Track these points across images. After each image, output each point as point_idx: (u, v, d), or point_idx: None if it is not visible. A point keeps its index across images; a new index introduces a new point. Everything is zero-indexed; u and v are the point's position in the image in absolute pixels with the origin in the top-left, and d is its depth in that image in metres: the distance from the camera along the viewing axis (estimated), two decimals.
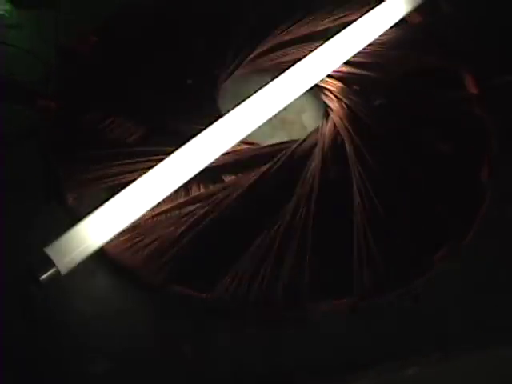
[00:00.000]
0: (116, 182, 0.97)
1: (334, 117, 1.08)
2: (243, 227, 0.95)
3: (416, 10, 1.19)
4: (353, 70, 1.13)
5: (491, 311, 0.92)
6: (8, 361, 0.83)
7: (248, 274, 0.89)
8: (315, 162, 1.01)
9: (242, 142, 1.02)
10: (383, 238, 0.94)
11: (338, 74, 1.13)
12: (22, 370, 0.85)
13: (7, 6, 1.23)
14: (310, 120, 1.13)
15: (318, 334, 0.89)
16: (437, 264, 0.92)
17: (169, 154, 0.94)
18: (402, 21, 1.17)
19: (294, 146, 1.03)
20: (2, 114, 1.04)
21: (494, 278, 0.95)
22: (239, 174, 1.01)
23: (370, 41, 1.13)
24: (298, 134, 1.10)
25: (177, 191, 0.95)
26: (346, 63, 1.12)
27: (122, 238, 0.92)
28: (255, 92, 1.01)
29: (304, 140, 1.05)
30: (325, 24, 1.18)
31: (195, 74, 1.11)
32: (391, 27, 1.16)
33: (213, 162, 0.97)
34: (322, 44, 1.09)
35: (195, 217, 0.95)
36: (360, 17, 1.13)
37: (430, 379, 0.89)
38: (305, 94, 1.07)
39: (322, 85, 1.12)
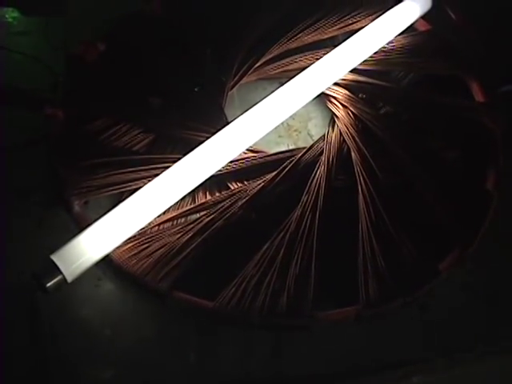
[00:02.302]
0: (123, 190, 0.98)
1: (339, 125, 1.08)
2: (249, 235, 0.96)
3: (423, 18, 1.19)
4: (359, 77, 1.13)
5: (495, 320, 0.92)
6: (13, 366, 0.84)
7: (253, 282, 0.90)
8: (321, 170, 1.01)
9: (249, 149, 1.03)
10: (388, 246, 0.93)
11: (344, 81, 1.13)
12: (28, 375, 0.85)
13: (15, 14, 1.24)
14: (316, 128, 1.13)
15: (323, 341, 0.89)
16: (442, 273, 0.92)
17: (175, 161, 0.94)
18: (409, 28, 1.18)
19: (300, 154, 1.04)
20: (10, 121, 1.05)
21: (498, 288, 0.95)
22: (245, 182, 1.02)
23: (376, 49, 1.13)
24: (304, 142, 1.10)
25: (183, 199, 0.96)
26: (352, 71, 1.12)
27: (127, 246, 0.93)
28: (262, 100, 1.01)
29: (310, 148, 1.05)
30: (332, 32, 1.18)
31: (202, 82, 1.11)
32: (398, 35, 1.16)
33: (219, 170, 0.98)
34: (328, 52, 1.09)
35: (201, 224, 0.95)
36: (367, 25, 1.14)
37: None
38: (311, 101, 1.07)
39: (328, 92, 1.12)
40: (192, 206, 0.99)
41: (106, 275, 0.92)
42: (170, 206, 0.94)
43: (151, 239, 0.94)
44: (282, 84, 1.04)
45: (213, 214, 0.96)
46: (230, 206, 0.97)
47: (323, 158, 1.03)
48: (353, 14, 1.19)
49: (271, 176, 1.01)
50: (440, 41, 1.18)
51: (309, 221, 0.95)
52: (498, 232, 0.96)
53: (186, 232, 0.95)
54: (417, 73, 1.17)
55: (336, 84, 1.12)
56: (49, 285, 0.81)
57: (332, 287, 0.91)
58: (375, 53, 1.14)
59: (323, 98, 1.13)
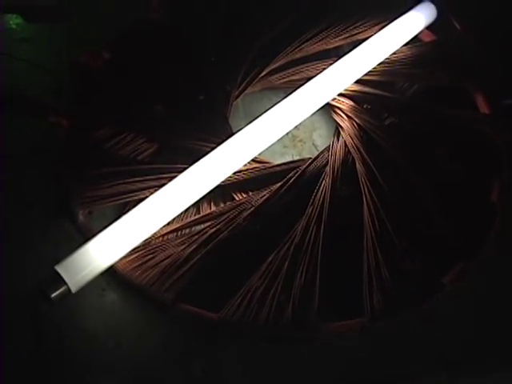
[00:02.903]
0: (127, 200, 0.97)
1: (344, 135, 1.08)
2: (254, 246, 0.95)
3: (428, 29, 1.19)
4: (364, 88, 1.13)
5: (502, 334, 0.92)
6: (17, 375, 0.84)
7: (258, 294, 0.89)
8: (326, 181, 1.01)
9: (254, 160, 1.02)
10: (393, 257, 0.93)
11: (349, 92, 1.13)
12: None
13: (18, 20, 1.24)
14: (320, 138, 1.14)
15: (327, 353, 0.88)
16: (447, 286, 0.92)
17: (180, 171, 0.94)
18: (414, 39, 1.18)
19: (305, 165, 1.04)
20: (14, 129, 1.05)
21: (504, 300, 0.94)
22: (250, 193, 1.02)
23: (381, 59, 1.13)
24: (308, 153, 1.11)
25: (187, 209, 0.96)
26: (357, 82, 1.12)
27: (132, 256, 0.93)
28: (267, 110, 1.01)
29: (315, 159, 1.05)
30: (337, 42, 1.18)
31: (207, 91, 1.11)
32: (403, 45, 1.16)
33: (224, 181, 0.98)
34: (333, 62, 1.09)
35: (206, 235, 0.95)
36: (372, 35, 1.14)
37: None
38: (316, 112, 1.07)
39: (333, 103, 1.13)
40: (196, 216, 0.99)
41: (110, 286, 0.92)
42: (175, 217, 0.94)
43: (156, 250, 0.94)
44: (287, 94, 1.04)
45: (217, 225, 0.96)
46: (235, 217, 0.97)
47: (328, 168, 1.03)
48: (358, 24, 1.19)
49: (276, 187, 1.01)
50: (445, 51, 1.19)
51: (314, 232, 0.95)
52: (502, 244, 0.96)
53: (191, 243, 0.94)
54: (421, 84, 1.17)
55: (341, 95, 1.12)
56: (53, 295, 0.81)
57: (337, 299, 0.90)
58: (380, 63, 1.14)
59: (328, 108, 1.13)
